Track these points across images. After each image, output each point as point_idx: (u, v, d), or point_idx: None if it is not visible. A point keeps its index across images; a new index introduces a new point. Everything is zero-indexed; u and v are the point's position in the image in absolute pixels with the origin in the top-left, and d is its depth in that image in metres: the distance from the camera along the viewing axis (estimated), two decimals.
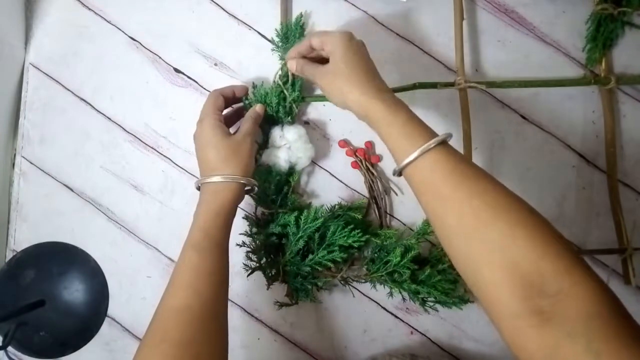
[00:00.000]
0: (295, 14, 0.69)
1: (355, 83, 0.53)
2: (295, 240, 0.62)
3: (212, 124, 0.57)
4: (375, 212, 0.67)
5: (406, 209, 0.68)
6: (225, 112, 0.63)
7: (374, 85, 0.53)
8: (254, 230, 0.65)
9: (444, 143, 0.47)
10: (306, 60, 0.60)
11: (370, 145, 0.68)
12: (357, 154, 0.68)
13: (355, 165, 0.68)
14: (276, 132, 0.64)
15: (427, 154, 0.46)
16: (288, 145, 0.63)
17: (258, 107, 0.63)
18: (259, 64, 0.70)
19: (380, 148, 0.69)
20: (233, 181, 0.55)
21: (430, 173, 0.46)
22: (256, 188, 0.61)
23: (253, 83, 0.68)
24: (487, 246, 0.41)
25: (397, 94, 0.67)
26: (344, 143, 0.68)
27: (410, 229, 0.67)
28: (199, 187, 0.58)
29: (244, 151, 0.57)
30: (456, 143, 0.66)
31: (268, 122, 0.66)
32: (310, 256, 0.62)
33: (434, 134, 0.48)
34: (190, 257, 0.52)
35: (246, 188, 0.58)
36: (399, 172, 0.49)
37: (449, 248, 0.45)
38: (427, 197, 0.47)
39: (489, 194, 0.43)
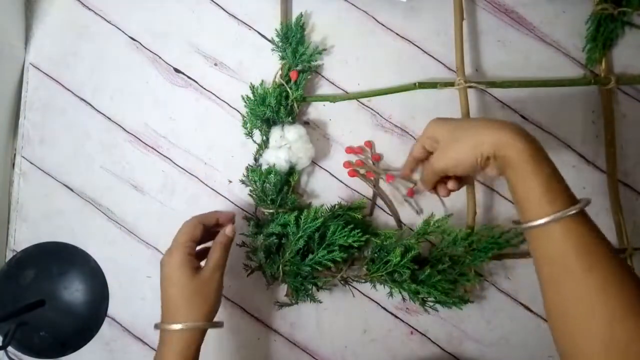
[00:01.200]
0: (295, 14, 0.70)
1: (478, 131, 0.48)
2: (295, 240, 0.62)
3: (179, 262, 0.52)
4: (393, 215, 0.67)
5: (406, 210, 0.68)
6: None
7: (501, 124, 0.48)
8: (254, 230, 0.65)
9: (582, 211, 0.43)
10: (422, 165, 0.59)
11: (370, 144, 0.68)
12: (360, 169, 0.67)
13: (352, 174, 0.68)
14: (277, 132, 0.64)
15: (563, 221, 0.42)
16: (288, 145, 0.63)
17: (228, 230, 0.57)
18: (259, 64, 0.70)
19: (380, 148, 0.69)
20: (195, 328, 0.51)
21: (563, 244, 0.42)
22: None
23: (251, 83, 0.68)
24: (614, 345, 0.39)
25: (398, 94, 0.68)
26: (349, 164, 0.68)
27: (410, 229, 0.67)
28: (159, 328, 0.53)
29: (210, 291, 0.53)
30: None
31: (268, 122, 0.66)
32: (310, 256, 0.62)
33: (574, 198, 0.44)
34: None
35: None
36: (521, 228, 0.46)
37: (561, 325, 0.43)
38: (552, 270, 0.43)
39: (626, 284, 0.40)
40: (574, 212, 0.42)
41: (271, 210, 0.64)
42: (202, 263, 0.56)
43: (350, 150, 0.68)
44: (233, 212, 0.61)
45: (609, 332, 0.39)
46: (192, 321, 0.51)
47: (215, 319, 0.54)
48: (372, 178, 0.68)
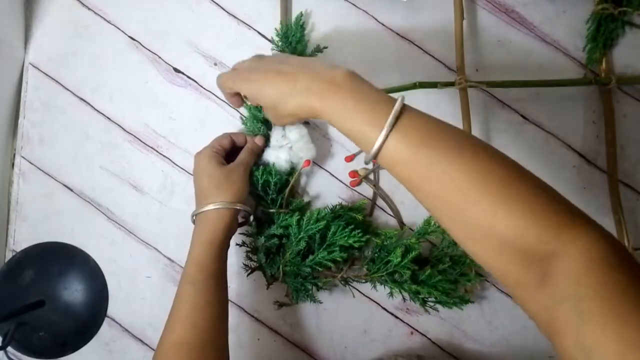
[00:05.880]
0: (295, 13, 0.69)
1: (290, 105, 0.46)
2: (297, 241, 0.62)
3: (208, 155, 0.59)
4: (394, 216, 0.67)
5: (406, 209, 0.68)
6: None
7: (305, 89, 0.45)
8: (254, 230, 0.65)
9: (401, 113, 0.41)
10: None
11: None
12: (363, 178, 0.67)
13: (354, 184, 0.68)
14: (278, 132, 0.64)
15: (390, 137, 0.41)
16: (290, 145, 0.63)
17: (257, 139, 0.63)
18: None
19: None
20: (223, 207, 0.56)
21: (400, 157, 0.41)
22: (251, 217, 0.62)
23: None
24: (470, 228, 0.39)
25: (398, 94, 0.68)
26: (354, 173, 0.68)
27: (411, 229, 0.67)
28: (194, 220, 0.59)
29: (235, 178, 0.58)
30: None
31: (267, 122, 0.66)
32: (311, 257, 0.62)
33: (387, 107, 0.41)
34: (186, 291, 0.53)
35: (240, 221, 0.61)
36: (367, 160, 0.44)
37: (440, 225, 0.43)
38: (406, 181, 0.42)
39: (461, 173, 0.39)
40: (389, 129, 0.40)
41: (272, 210, 0.64)
42: None
43: (349, 159, 0.68)
44: (262, 139, 0.65)
45: (459, 215, 0.39)
46: (221, 201, 0.56)
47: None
48: (373, 178, 0.68)
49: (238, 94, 0.56)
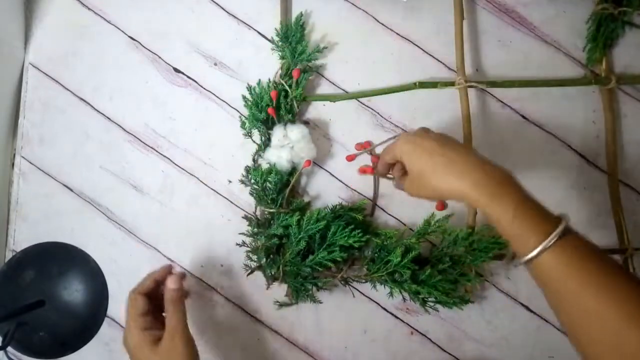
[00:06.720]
0: (295, 13, 0.69)
1: (439, 178, 0.49)
2: (297, 241, 0.62)
3: (136, 343, 0.52)
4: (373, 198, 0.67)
5: (406, 209, 0.68)
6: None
7: (461, 171, 0.48)
8: (254, 230, 0.65)
9: (565, 230, 0.44)
10: (400, 175, 0.57)
11: (369, 144, 0.68)
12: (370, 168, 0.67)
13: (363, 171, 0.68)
14: (279, 132, 0.64)
15: (550, 249, 0.43)
16: (291, 145, 0.63)
17: (169, 282, 0.55)
18: (259, 64, 0.70)
19: (380, 148, 0.68)
20: None
21: (554, 270, 0.43)
22: None
23: (248, 84, 0.68)
24: (624, 352, 0.40)
25: (398, 94, 0.68)
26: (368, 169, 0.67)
27: (411, 229, 0.67)
28: None
29: (177, 353, 0.51)
30: None
31: (267, 122, 0.66)
32: (311, 257, 0.62)
33: (551, 221, 0.44)
34: None
35: None
36: (517, 263, 0.47)
37: (576, 340, 0.43)
38: (552, 294, 0.44)
39: (622, 297, 0.40)
40: (555, 239, 0.43)
41: (272, 210, 0.64)
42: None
43: (350, 158, 0.68)
44: (169, 265, 0.60)
45: (615, 340, 0.40)
46: None
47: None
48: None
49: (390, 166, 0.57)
